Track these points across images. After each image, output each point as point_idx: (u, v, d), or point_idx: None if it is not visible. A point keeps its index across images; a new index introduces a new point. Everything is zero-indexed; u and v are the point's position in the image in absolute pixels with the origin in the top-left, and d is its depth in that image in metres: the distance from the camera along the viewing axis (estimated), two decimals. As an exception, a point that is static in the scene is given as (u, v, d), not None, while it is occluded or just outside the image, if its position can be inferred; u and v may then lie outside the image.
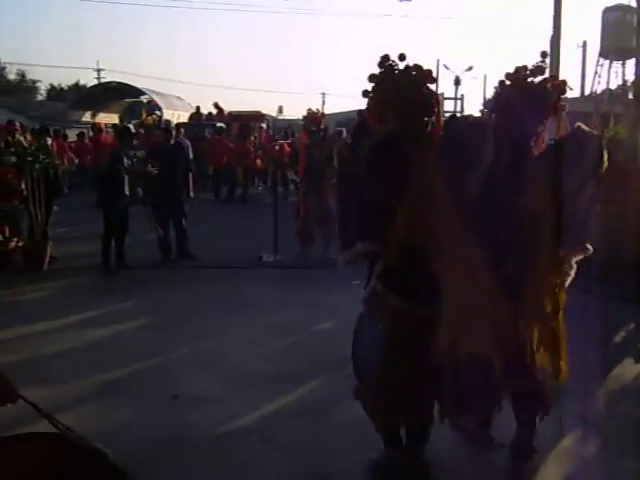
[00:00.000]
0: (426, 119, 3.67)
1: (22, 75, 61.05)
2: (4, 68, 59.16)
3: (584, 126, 3.99)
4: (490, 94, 50.35)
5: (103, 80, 47.41)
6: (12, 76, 60.73)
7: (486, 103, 43.13)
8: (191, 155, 11.03)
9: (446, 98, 51.44)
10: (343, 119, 23.60)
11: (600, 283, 7.71)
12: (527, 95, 3.87)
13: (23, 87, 60.94)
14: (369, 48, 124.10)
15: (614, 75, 38.91)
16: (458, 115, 3.91)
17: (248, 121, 24.36)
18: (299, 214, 10.45)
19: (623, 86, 35.48)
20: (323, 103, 60.19)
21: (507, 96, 3.96)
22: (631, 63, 31.17)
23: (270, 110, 47.18)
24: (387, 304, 3.66)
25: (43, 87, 63.66)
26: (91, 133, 23.69)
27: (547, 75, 3.93)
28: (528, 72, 3.90)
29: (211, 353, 6.17)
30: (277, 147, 20.75)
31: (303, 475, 4.13)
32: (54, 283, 8.84)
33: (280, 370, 5.12)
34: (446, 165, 3.59)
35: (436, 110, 3.70)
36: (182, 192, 10.57)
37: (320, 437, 4.55)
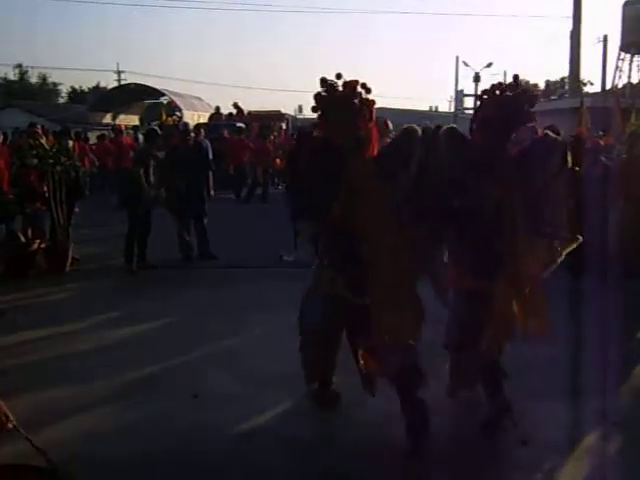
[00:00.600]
0: (359, 125, 4.36)
1: (43, 78, 61.59)
2: (26, 72, 59.76)
3: (551, 133, 4.80)
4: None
5: (123, 82, 47.74)
6: (34, 79, 61.35)
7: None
8: (211, 155, 11.07)
9: (465, 95, 51.30)
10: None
11: (623, 279, 7.65)
12: (501, 107, 4.53)
13: (45, 90, 61.45)
14: (388, 46, 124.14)
15: (635, 69, 38.58)
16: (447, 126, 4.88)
17: (268, 121, 24.42)
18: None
19: (644, 80, 35.14)
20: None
21: (485, 108, 4.66)
22: (653, 57, 30.94)
23: (290, 109, 47.32)
24: (325, 277, 4.51)
25: (64, 90, 64.27)
26: (112, 135, 23.87)
27: (519, 90, 4.58)
28: (503, 88, 4.58)
29: (232, 352, 6.21)
30: (296, 146, 20.70)
31: (320, 474, 4.15)
32: (76, 284, 8.91)
33: (298, 369, 5.13)
34: (382, 164, 4.35)
35: (368, 117, 4.39)
36: (203, 192, 10.65)
37: (339, 436, 4.58)
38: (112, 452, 4.29)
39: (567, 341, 5.88)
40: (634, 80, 37.37)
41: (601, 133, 13.61)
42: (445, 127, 4.65)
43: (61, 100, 61.79)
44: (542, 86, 68.02)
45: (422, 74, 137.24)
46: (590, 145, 10.36)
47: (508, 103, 4.53)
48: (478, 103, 4.96)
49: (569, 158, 4.59)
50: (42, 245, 9.47)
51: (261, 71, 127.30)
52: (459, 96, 51.53)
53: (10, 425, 2.91)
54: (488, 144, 4.55)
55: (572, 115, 14.50)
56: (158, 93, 36.05)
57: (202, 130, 12.44)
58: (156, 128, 10.85)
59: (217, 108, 28.95)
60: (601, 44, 38.94)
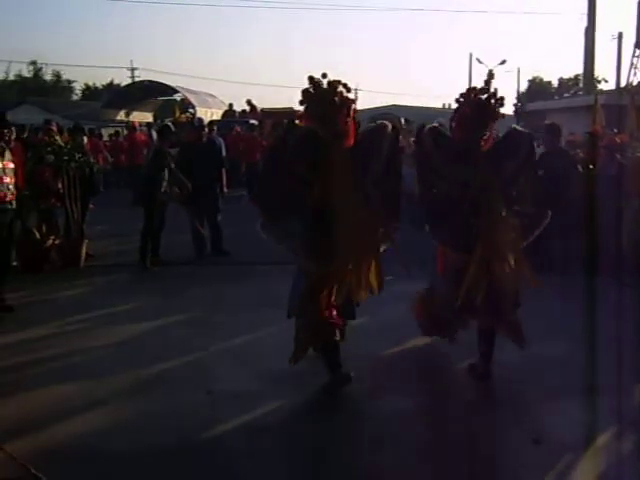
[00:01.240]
0: (338, 120, 4.94)
1: (58, 75, 61.92)
2: (40, 69, 60.08)
3: (518, 127, 5.71)
4: (523, 88, 49.69)
5: (137, 79, 47.88)
6: (48, 77, 61.65)
7: (520, 97, 42.65)
8: (224, 152, 11.08)
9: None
10: (376, 115, 23.46)
11: (638, 278, 7.61)
12: (475, 108, 5.31)
13: (59, 87, 61.78)
14: (402, 43, 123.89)
15: (650, 66, 38.22)
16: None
17: (281, 117, 24.37)
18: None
19: (660, 77, 34.85)
20: (356, 99, 60.02)
21: (462, 109, 5.43)
22: (668, 54, 30.71)
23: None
24: (307, 258, 5.04)
25: (78, 87, 64.57)
26: (125, 132, 23.95)
27: (490, 92, 5.32)
28: (476, 92, 5.35)
29: (245, 349, 6.22)
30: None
31: (332, 472, 4.15)
32: (91, 280, 8.94)
33: (313, 366, 5.14)
34: (357, 153, 5.01)
35: (346, 113, 4.99)
36: (216, 188, 10.66)
37: (352, 433, 4.59)
38: (123, 447, 4.31)
39: (582, 340, 5.87)
40: (649, 77, 37.04)
41: (615, 131, 13.52)
42: (428, 126, 5.55)
43: (75, 97, 62.08)
44: (556, 84, 67.79)
45: (436, 72, 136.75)
46: (606, 142, 10.30)
47: (481, 104, 5.30)
48: (456, 105, 5.63)
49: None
50: (56, 241, 9.52)
51: (275, 68, 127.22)
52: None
53: None
54: (464, 139, 5.35)
55: (586, 113, 14.46)
56: (172, 90, 36.17)
57: (215, 127, 12.45)
58: (170, 125, 10.84)
59: (230, 105, 28.99)
60: (616, 41, 38.70)
